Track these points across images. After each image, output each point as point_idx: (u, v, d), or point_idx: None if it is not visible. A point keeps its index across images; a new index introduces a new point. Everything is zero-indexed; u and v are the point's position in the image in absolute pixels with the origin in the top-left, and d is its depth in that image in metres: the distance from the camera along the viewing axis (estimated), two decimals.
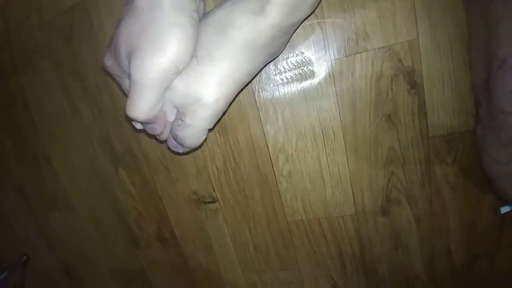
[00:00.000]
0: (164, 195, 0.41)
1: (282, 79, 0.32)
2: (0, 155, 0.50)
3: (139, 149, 0.39)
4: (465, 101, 0.28)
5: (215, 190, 0.39)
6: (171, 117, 0.26)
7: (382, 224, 0.35)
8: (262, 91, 0.33)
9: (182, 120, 0.24)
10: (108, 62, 0.24)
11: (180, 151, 0.28)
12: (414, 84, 0.29)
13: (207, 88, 0.23)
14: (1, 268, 0.57)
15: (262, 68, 0.29)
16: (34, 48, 0.40)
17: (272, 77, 0.32)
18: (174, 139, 0.27)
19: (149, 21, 0.20)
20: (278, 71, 0.32)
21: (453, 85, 0.28)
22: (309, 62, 0.31)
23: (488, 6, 0.23)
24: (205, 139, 0.27)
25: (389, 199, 0.33)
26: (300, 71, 0.31)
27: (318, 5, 0.25)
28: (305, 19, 0.26)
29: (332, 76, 0.31)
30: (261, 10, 0.21)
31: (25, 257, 0.61)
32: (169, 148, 0.29)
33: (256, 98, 0.33)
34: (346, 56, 0.30)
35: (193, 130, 0.24)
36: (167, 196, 0.41)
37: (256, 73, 0.27)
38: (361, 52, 0.29)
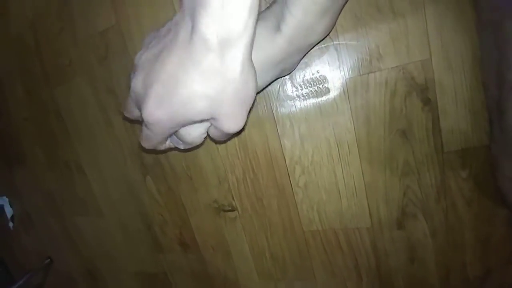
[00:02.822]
0: (187, 203, 0.44)
1: (298, 96, 0.34)
2: (31, 161, 0.55)
3: (166, 160, 0.42)
4: (479, 117, 0.29)
5: (235, 199, 0.41)
6: None
7: (398, 237, 0.35)
8: (279, 107, 0.35)
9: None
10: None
11: (181, 147, 0.28)
12: (427, 101, 0.30)
13: None
14: (23, 271, 0.60)
15: (270, 84, 0.31)
16: (68, 63, 0.45)
17: (289, 93, 0.34)
18: (175, 135, 0.26)
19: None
20: (295, 88, 0.34)
21: (466, 102, 0.29)
22: (324, 80, 0.33)
23: (499, 29, 0.24)
24: (205, 138, 0.28)
25: (404, 212, 0.34)
26: (316, 89, 0.33)
27: (331, 30, 0.27)
28: (319, 42, 0.28)
29: (346, 94, 0.32)
30: (277, 28, 0.24)
31: (48, 260, 0.63)
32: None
33: (274, 113, 0.35)
34: (360, 75, 0.31)
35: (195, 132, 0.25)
36: (190, 204, 0.44)
37: (264, 88, 0.29)
38: (375, 72, 0.31)
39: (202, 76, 0.18)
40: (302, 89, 0.34)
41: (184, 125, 0.22)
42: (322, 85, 0.33)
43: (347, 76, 0.32)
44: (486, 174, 0.30)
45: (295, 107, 0.35)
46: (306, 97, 0.34)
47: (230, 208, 0.42)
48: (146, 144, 0.26)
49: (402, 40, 0.29)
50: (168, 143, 0.28)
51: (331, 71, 0.32)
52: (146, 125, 0.22)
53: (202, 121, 0.22)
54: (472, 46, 0.28)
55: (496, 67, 0.24)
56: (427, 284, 0.36)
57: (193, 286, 0.49)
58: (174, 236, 0.47)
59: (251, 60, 0.20)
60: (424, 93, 0.30)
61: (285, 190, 0.38)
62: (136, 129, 0.43)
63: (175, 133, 0.25)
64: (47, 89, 0.48)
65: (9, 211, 0.64)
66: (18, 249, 0.68)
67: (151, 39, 0.23)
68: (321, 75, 0.33)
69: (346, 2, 0.25)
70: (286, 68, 0.29)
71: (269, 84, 0.33)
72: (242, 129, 0.24)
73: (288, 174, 0.37)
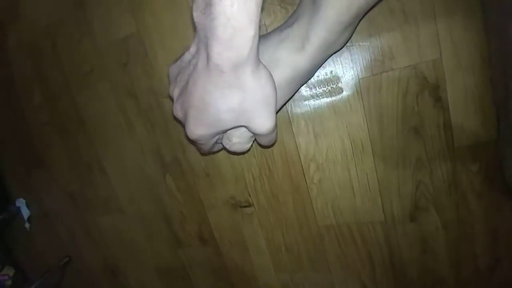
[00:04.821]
0: (205, 200, 0.46)
1: (312, 96, 0.35)
2: (51, 164, 0.57)
3: (184, 159, 0.44)
4: (488, 113, 0.30)
5: (251, 195, 0.43)
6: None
7: (411, 230, 0.37)
8: (294, 107, 0.37)
9: (229, 140, 0.28)
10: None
11: (232, 147, 0.32)
12: (439, 99, 0.31)
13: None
14: (40, 271, 0.61)
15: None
16: (90, 70, 0.47)
17: (304, 93, 0.36)
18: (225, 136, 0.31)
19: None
20: (309, 88, 0.35)
21: (476, 99, 0.30)
22: (338, 80, 0.34)
23: (504, 32, 0.25)
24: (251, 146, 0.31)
25: (417, 206, 0.35)
26: (330, 88, 0.35)
27: (348, 41, 0.29)
28: None
29: (360, 93, 0.34)
30: (301, 48, 0.25)
31: (67, 258, 0.64)
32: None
33: (289, 113, 0.37)
34: (373, 75, 0.33)
35: (239, 145, 0.29)
36: (208, 200, 0.46)
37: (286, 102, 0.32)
38: (388, 71, 0.32)
39: (222, 94, 0.21)
40: (316, 89, 0.35)
41: (222, 133, 0.26)
42: (336, 85, 0.34)
43: (360, 76, 0.33)
44: (495, 168, 0.31)
45: (309, 106, 0.36)
46: (320, 97, 0.35)
47: (246, 204, 0.44)
48: (201, 152, 0.32)
49: (414, 41, 0.30)
50: (218, 146, 0.32)
51: (345, 71, 0.33)
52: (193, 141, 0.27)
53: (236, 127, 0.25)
54: (481, 45, 0.29)
55: (502, 68, 0.25)
56: (439, 274, 0.37)
57: (212, 279, 0.51)
58: (193, 231, 0.49)
59: (260, 65, 0.22)
60: (435, 91, 0.31)
61: (300, 187, 0.39)
62: (156, 130, 0.45)
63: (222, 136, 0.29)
64: (68, 94, 0.50)
65: (25, 212, 0.65)
66: (35, 250, 0.70)
67: (175, 74, 0.26)
68: (334, 75, 0.34)
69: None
70: (306, 81, 0.32)
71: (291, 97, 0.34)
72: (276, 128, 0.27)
73: (303, 171, 0.39)
